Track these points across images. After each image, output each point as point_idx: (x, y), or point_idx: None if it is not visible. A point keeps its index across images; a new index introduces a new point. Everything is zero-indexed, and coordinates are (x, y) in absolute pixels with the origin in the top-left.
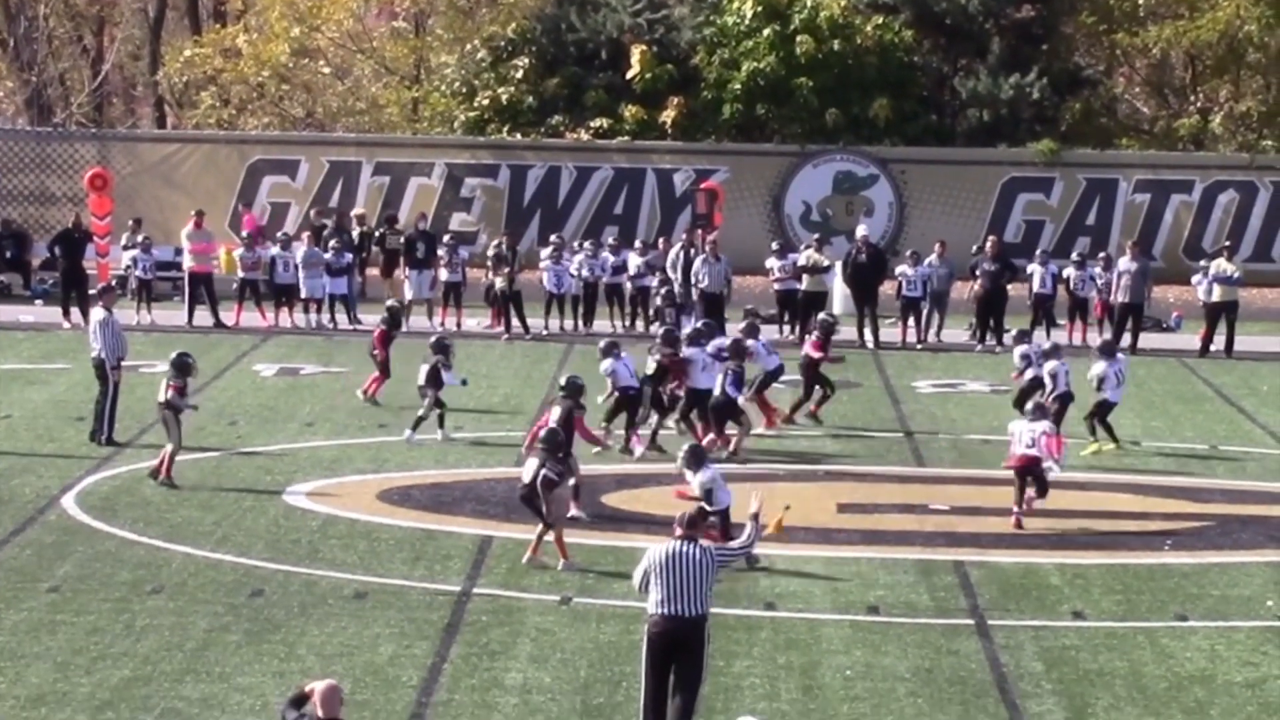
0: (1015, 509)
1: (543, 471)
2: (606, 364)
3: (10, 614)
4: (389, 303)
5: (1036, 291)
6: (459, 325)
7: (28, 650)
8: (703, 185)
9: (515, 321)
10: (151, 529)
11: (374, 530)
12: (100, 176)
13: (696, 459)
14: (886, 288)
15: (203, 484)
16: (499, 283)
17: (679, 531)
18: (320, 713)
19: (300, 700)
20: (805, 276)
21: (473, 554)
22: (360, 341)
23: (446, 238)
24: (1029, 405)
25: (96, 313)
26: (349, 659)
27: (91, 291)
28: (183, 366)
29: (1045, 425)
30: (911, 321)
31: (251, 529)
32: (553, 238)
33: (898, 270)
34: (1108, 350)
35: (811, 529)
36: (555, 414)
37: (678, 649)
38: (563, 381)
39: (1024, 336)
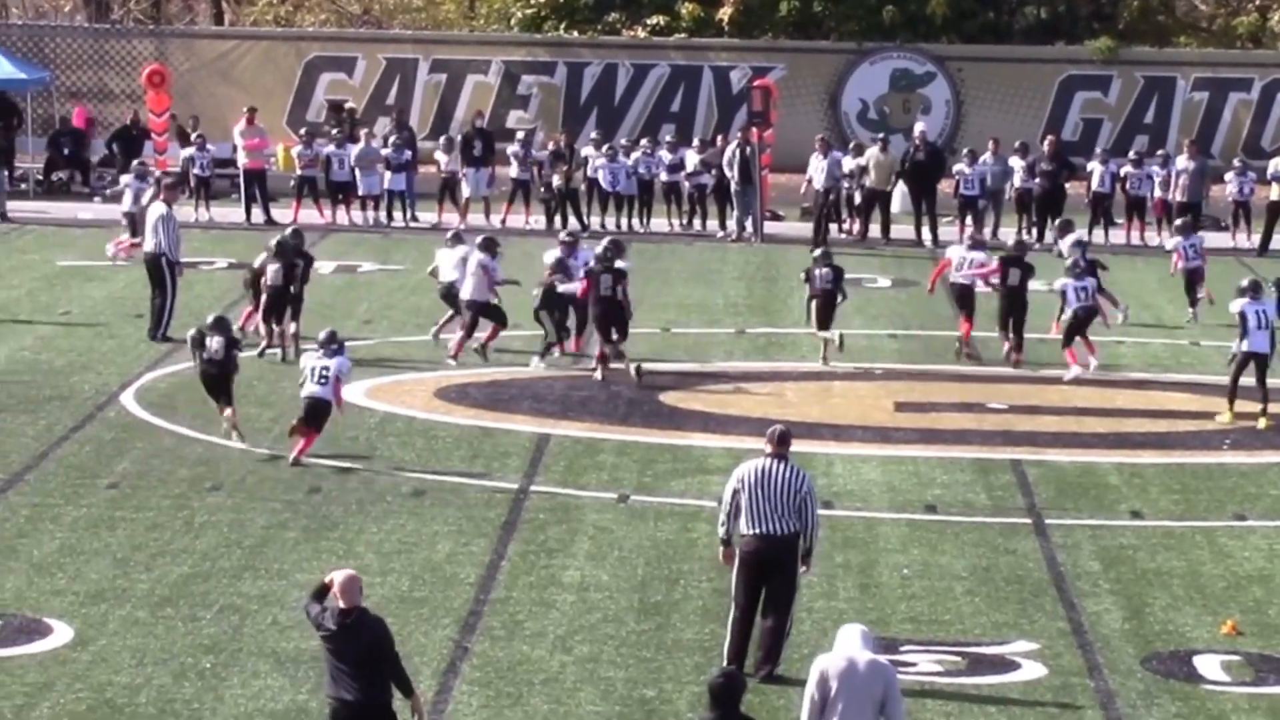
0: None
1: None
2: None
3: (70, 510)
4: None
5: (1095, 190)
6: (526, 223)
7: (87, 546)
8: (756, 83)
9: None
10: (210, 426)
11: (431, 428)
12: (158, 73)
13: None
14: (944, 186)
15: (261, 380)
16: (556, 180)
17: (769, 449)
18: (341, 603)
19: (322, 593)
20: (865, 177)
21: (530, 452)
22: (417, 239)
23: (520, 134)
24: None
25: (156, 207)
26: (407, 556)
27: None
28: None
29: None
30: (969, 219)
31: None
32: (592, 134)
33: (954, 169)
34: (1254, 287)
35: (869, 428)
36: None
37: (770, 568)
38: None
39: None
